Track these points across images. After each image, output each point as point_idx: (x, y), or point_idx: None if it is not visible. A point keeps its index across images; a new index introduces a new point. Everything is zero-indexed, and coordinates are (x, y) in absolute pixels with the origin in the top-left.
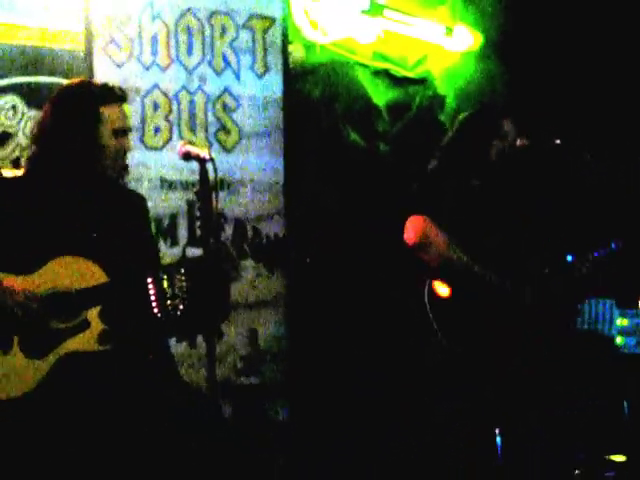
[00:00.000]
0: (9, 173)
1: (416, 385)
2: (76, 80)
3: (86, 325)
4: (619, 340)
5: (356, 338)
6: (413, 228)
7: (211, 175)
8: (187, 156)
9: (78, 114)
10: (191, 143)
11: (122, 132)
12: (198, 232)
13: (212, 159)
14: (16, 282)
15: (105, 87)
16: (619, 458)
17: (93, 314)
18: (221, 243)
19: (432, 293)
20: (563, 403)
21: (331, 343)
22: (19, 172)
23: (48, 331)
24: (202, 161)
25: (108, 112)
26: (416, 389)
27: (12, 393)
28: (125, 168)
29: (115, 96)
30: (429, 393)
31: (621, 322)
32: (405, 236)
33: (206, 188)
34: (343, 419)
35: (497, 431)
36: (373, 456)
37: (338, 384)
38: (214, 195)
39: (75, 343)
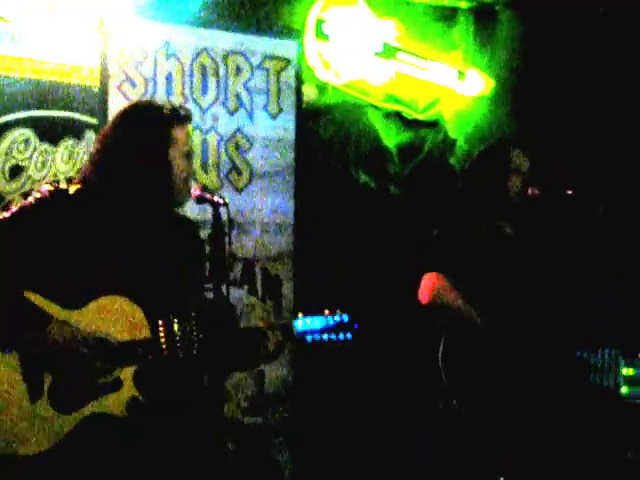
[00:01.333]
0: (71, 188)
1: (421, 429)
2: (143, 100)
3: (118, 386)
4: (624, 390)
5: (361, 380)
6: (427, 287)
7: (224, 219)
8: (200, 200)
9: (150, 136)
10: (205, 188)
11: (188, 155)
12: (207, 272)
13: (226, 204)
14: (62, 317)
15: (173, 108)
16: None
17: (127, 375)
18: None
19: (446, 349)
20: (567, 453)
21: (336, 385)
22: (79, 187)
23: (80, 383)
24: (216, 205)
25: (178, 134)
26: (421, 433)
27: (29, 449)
28: (189, 192)
29: (183, 117)
30: (434, 438)
31: (627, 372)
32: (419, 294)
33: (219, 233)
34: (345, 462)
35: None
36: None
37: (342, 426)
38: (227, 240)
39: (104, 404)
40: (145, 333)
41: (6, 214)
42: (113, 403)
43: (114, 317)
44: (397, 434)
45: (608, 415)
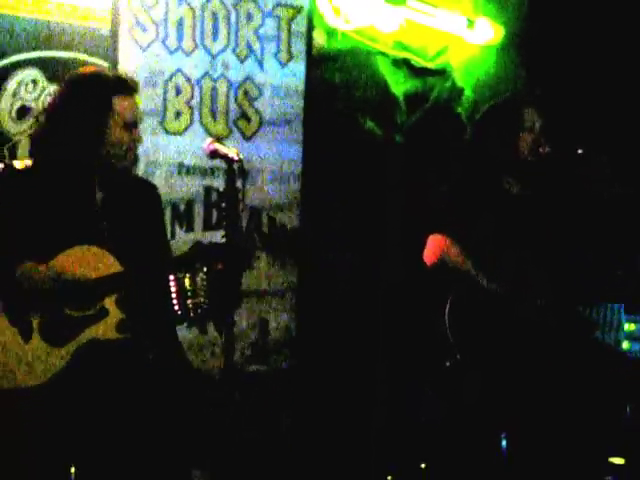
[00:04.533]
0: (19, 164)
1: (422, 384)
2: (90, 68)
3: (105, 313)
4: (626, 345)
5: (365, 332)
6: (432, 248)
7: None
8: (214, 154)
9: (90, 103)
10: (219, 142)
11: (133, 125)
12: (214, 219)
13: (240, 160)
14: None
15: (118, 78)
16: (619, 461)
17: (111, 302)
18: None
19: (452, 311)
20: (568, 407)
21: (340, 335)
22: (29, 162)
23: (67, 319)
24: (230, 161)
25: (120, 103)
26: (422, 388)
27: (33, 381)
28: (135, 160)
29: (127, 88)
30: (435, 393)
31: (629, 327)
32: (424, 255)
33: (232, 188)
34: (346, 413)
35: (503, 435)
36: (374, 451)
37: (344, 376)
38: (240, 196)
39: (95, 331)
40: (117, 268)
41: None
42: (104, 329)
43: (85, 261)
44: (398, 388)
45: (609, 370)
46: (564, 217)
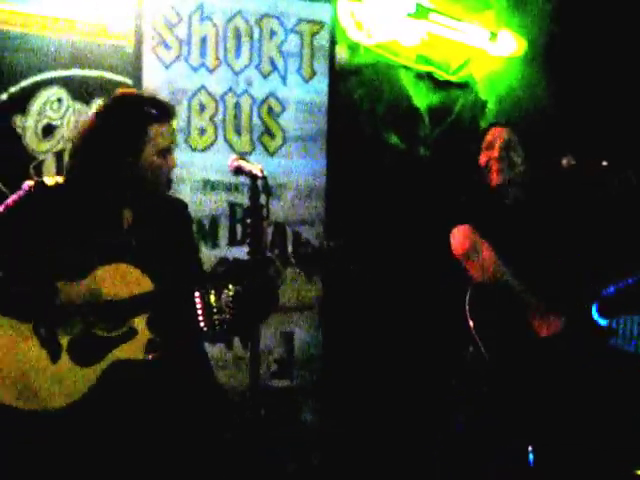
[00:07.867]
0: (49, 180)
1: (449, 396)
2: (127, 91)
3: (133, 333)
4: None
5: (390, 345)
6: (459, 238)
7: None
8: (238, 171)
9: (126, 131)
10: (243, 158)
11: (167, 151)
12: (239, 235)
13: (264, 177)
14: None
15: (156, 104)
16: None
17: (140, 322)
18: (269, 257)
19: (474, 301)
20: (594, 419)
21: (365, 348)
22: (59, 178)
23: (96, 339)
24: (254, 178)
25: (155, 131)
26: (449, 400)
27: (61, 402)
28: (169, 184)
29: (164, 115)
30: (462, 406)
31: None
32: (452, 246)
33: (257, 204)
34: (373, 424)
35: (530, 448)
36: (402, 463)
37: (370, 390)
38: (265, 212)
39: (123, 351)
40: (148, 287)
41: None
42: (132, 349)
43: (117, 279)
44: (426, 396)
45: (629, 379)
46: (576, 227)
